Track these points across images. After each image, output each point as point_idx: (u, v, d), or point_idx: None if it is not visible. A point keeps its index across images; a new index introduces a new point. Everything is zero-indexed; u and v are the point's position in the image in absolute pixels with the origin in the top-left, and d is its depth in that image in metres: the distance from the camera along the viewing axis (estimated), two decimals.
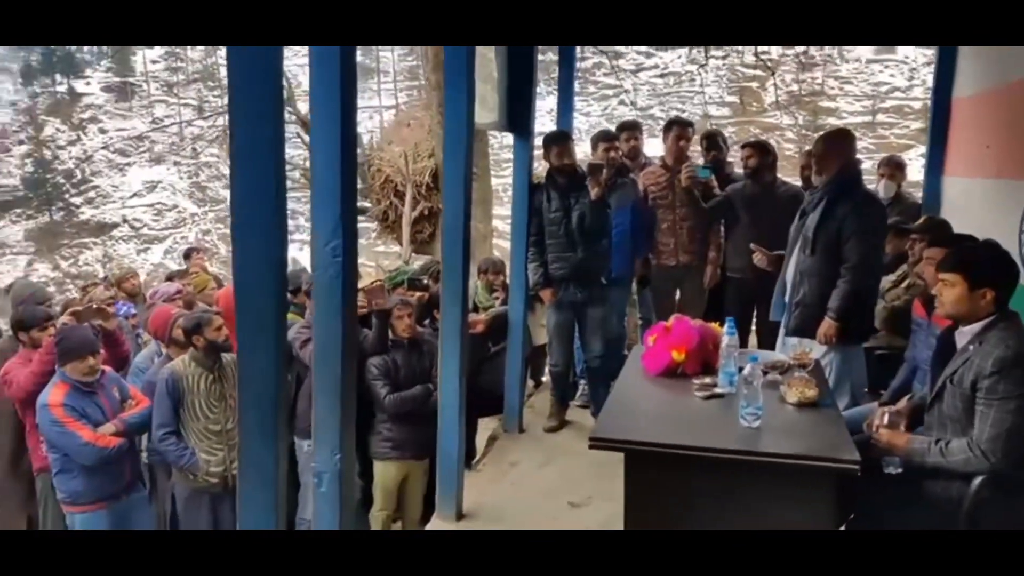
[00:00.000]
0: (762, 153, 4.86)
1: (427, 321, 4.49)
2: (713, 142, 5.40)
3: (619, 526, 2.39)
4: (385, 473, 4.02)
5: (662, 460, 2.30)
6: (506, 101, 4.47)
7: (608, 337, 4.73)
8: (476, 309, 5.01)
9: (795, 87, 24.63)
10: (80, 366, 3.65)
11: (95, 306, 4.19)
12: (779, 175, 4.98)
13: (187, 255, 7.30)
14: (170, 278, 6.16)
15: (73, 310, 4.06)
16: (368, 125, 17.51)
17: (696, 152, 5.58)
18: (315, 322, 2.45)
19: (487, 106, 4.27)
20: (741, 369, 2.65)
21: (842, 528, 2.57)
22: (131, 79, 34.29)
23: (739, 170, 5.27)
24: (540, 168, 5.06)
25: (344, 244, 2.34)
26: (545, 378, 5.51)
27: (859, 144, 4.17)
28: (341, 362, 2.40)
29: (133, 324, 5.19)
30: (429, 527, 3.58)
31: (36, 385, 3.78)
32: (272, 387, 2.14)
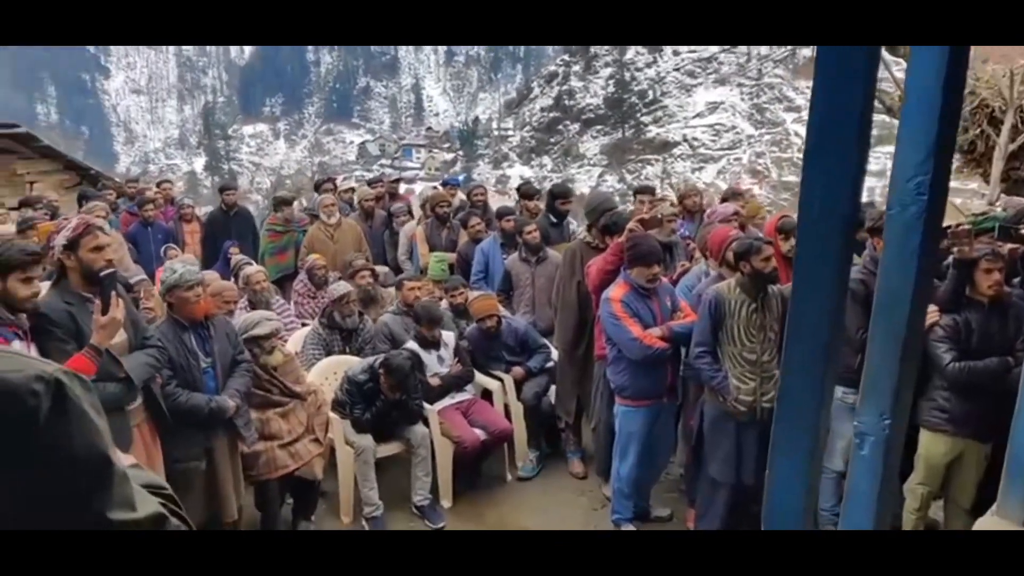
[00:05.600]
0: None
1: (1017, 280, 3.69)
2: None
3: None
4: (932, 446, 3.51)
5: None
6: None
7: None
8: None
9: None
10: (645, 272, 4.01)
11: (660, 217, 4.52)
12: None
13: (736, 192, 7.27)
14: (725, 198, 6.28)
15: (640, 218, 4.39)
16: None
17: None
18: (883, 265, 2.13)
19: None
20: None
21: None
22: None
23: None
24: None
25: (932, 181, 1.96)
26: None
27: None
28: (908, 315, 2.05)
29: (687, 244, 5.45)
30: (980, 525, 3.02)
31: (600, 280, 4.28)
32: (826, 325, 1.93)
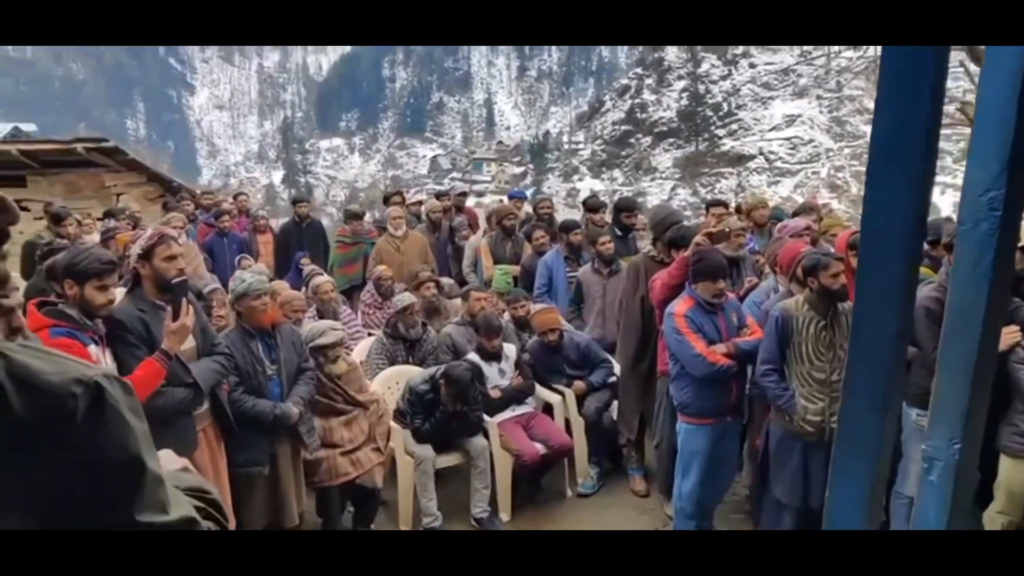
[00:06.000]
0: None
1: None
2: None
3: None
4: (1014, 473, 3.32)
5: None
6: None
7: None
8: None
9: None
10: (711, 287, 3.91)
11: (728, 231, 4.42)
12: None
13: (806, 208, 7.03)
14: (796, 213, 6.11)
15: (707, 232, 4.29)
16: None
17: None
18: (954, 282, 2.03)
19: None
20: None
21: None
22: None
23: None
24: None
25: (1007, 196, 1.85)
26: None
27: None
28: (979, 336, 1.94)
29: (756, 259, 5.31)
30: None
31: (664, 294, 4.21)
32: (889, 344, 1.85)
